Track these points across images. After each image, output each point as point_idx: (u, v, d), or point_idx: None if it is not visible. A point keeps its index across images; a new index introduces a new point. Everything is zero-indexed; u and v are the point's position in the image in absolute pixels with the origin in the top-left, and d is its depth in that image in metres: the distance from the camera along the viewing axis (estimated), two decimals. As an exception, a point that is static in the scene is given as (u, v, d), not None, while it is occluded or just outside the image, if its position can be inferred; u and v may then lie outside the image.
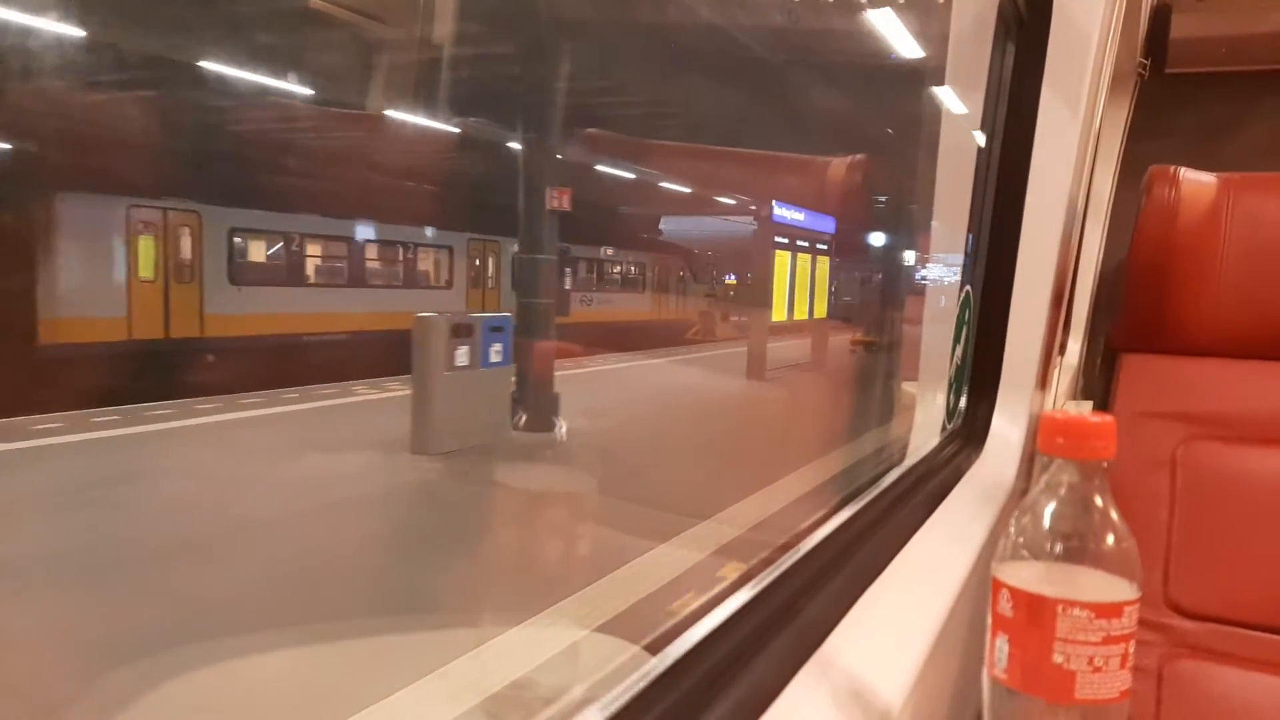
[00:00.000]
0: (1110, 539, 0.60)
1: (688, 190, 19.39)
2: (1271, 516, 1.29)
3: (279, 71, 9.15)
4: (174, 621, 3.35)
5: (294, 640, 3.07)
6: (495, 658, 3.06)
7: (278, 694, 2.81)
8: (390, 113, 10.33)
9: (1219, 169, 1.49)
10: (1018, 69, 1.49)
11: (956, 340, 1.58)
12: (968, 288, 1.58)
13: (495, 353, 7.19)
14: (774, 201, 13.52)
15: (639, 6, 8.76)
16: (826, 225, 15.05)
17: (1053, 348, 1.55)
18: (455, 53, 8.49)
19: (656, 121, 13.86)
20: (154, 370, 9.68)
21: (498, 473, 6.75)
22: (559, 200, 7.94)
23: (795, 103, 11.78)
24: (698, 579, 3.79)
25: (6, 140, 7.66)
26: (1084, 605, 0.57)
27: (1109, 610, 0.57)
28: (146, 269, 10.62)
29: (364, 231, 13.70)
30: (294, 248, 12.69)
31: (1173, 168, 1.46)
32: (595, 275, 19.37)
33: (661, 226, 21.81)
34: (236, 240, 11.73)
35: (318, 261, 13.14)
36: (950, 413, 1.60)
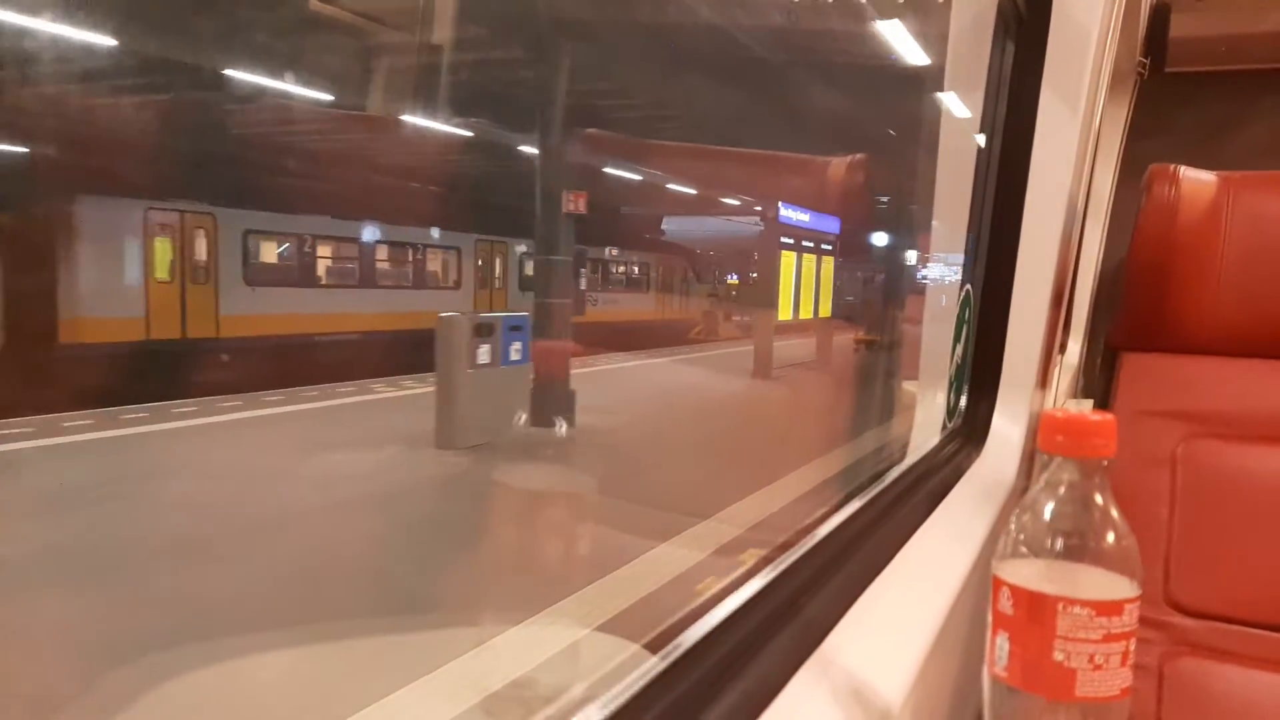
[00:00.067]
0: (1110, 537, 0.60)
1: (689, 190, 19.40)
2: (1272, 515, 1.29)
3: (291, 76, 9.21)
4: (242, 597, 3.55)
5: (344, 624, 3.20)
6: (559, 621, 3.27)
7: (314, 677, 2.86)
8: (400, 116, 10.39)
9: (1219, 168, 1.49)
10: (1017, 68, 1.49)
11: (957, 339, 1.58)
12: (968, 287, 1.59)
13: (515, 351, 7.38)
14: (780, 202, 13.57)
15: (640, 9, 8.77)
16: (831, 226, 15.11)
17: (1053, 346, 1.55)
18: (466, 58, 8.57)
19: (658, 123, 13.88)
20: (173, 369, 9.83)
21: (523, 466, 6.92)
22: (575, 204, 8.13)
23: (794, 102, 11.78)
24: (723, 561, 3.94)
25: (27, 144, 7.73)
26: (1084, 603, 0.57)
27: (1109, 608, 0.57)
28: (163, 270, 10.81)
29: (375, 233, 13.87)
30: (306, 249, 12.86)
31: (1173, 166, 1.46)
32: (600, 275, 19.43)
33: (664, 227, 21.84)
34: (251, 242, 11.88)
35: (330, 262, 13.32)
36: (950, 411, 1.60)
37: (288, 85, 9.37)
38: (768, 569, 0.83)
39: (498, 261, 15.97)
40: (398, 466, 6.20)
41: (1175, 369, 1.45)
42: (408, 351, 9.87)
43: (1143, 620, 0.59)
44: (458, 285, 15.17)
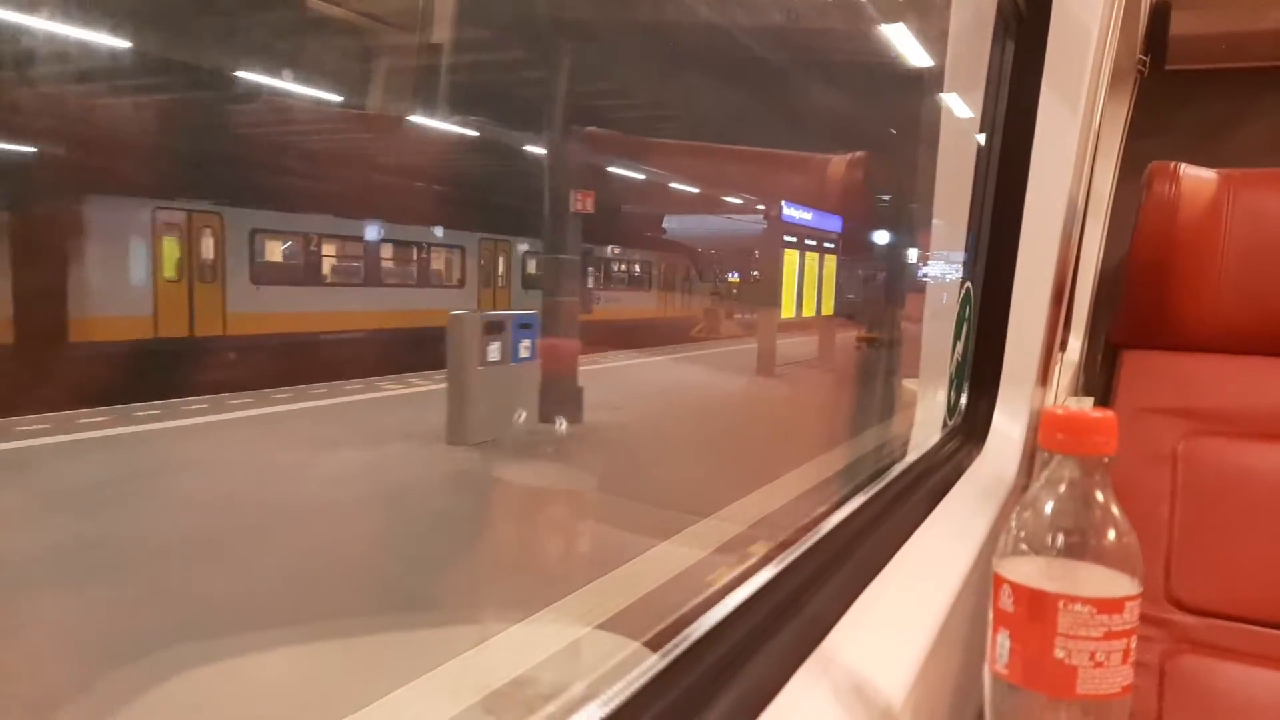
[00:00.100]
0: (1111, 534, 0.60)
1: (690, 189, 19.40)
2: (1272, 512, 1.29)
3: (294, 76, 9.25)
4: (288, 582, 3.69)
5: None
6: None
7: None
8: (404, 116, 10.43)
9: (1219, 166, 1.48)
10: (1017, 66, 1.49)
11: (957, 337, 1.58)
12: (968, 284, 1.58)
13: (524, 348, 7.48)
14: (782, 201, 13.59)
15: (641, 8, 8.78)
16: (833, 224, 15.14)
17: (1053, 344, 1.55)
18: (470, 59, 8.60)
19: (658, 123, 13.89)
20: (182, 368, 9.93)
21: (534, 461, 7.01)
22: (582, 203, 8.28)
23: (793, 101, 11.78)
24: (740, 545, 4.02)
25: (34, 144, 7.77)
26: (1085, 601, 0.57)
27: (1110, 606, 0.57)
28: (171, 269, 10.89)
29: (379, 232, 13.94)
30: (313, 248, 12.93)
31: (1173, 164, 1.46)
32: (602, 274, 19.48)
33: (665, 225, 21.84)
34: (257, 241, 11.97)
35: (335, 261, 13.41)
36: (951, 409, 1.60)
37: (291, 85, 9.43)
38: (769, 567, 0.83)
39: (500, 260, 16.06)
40: (413, 462, 6.31)
41: (1176, 366, 1.45)
42: (413, 349, 9.94)
43: (1144, 618, 0.59)
44: (461, 283, 15.27)
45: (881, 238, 16.50)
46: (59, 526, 4.30)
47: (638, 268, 21.17)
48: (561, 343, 8.15)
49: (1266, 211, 1.43)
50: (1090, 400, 1.79)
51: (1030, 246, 1.45)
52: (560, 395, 7.82)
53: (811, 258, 14.47)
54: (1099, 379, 1.63)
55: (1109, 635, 0.57)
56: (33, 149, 7.88)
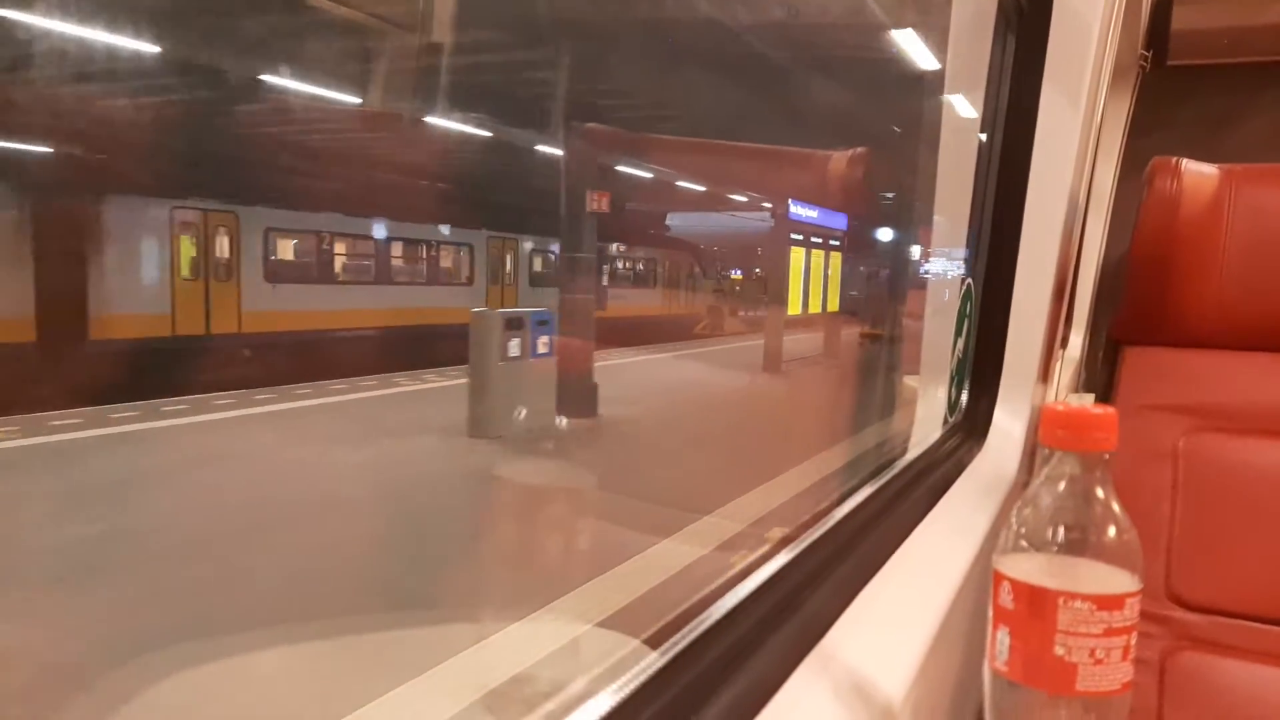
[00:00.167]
0: (1112, 531, 0.60)
1: (692, 186, 19.37)
2: (1274, 509, 1.29)
3: (307, 76, 9.30)
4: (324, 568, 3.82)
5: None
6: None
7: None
8: (414, 115, 10.47)
9: (1221, 161, 1.48)
10: (1018, 61, 1.49)
11: (958, 334, 1.58)
12: (969, 281, 1.58)
13: (542, 344, 7.60)
14: (789, 199, 13.62)
15: (643, 7, 8.79)
16: (839, 221, 15.18)
17: (1054, 341, 1.55)
18: (480, 60, 8.64)
19: (658, 122, 13.89)
20: (201, 364, 10.06)
21: (554, 453, 7.19)
22: (598, 203, 8.41)
23: (794, 97, 11.77)
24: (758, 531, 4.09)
25: (55, 145, 7.82)
26: (1085, 597, 0.57)
27: (1110, 602, 0.57)
28: (188, 268, 11.05)
29: (390, 230, 14.07)
30: (325, 246, 13.08)
31: (1175, 159, 1.46)
32: (608, 271, 19.52)
33: (669, 223, 21.82)
34: (271, 240, 12.10)
35: (347, 259, 13.54)
36: (952, 406, 1.59)
37: (305, 85, 9.50)
38: (768, 564, 0.83)
39: (508, 258, 16.17)
40: (436, 455, 6.46)
41: (1177, 362, 1.45)
42: (425, 346, 10.00)
43: (1144, 614, 0.59)
44: (470, 281, 15.38)
45: (883, 234, 16.50)
46: (135, 510, 4.48)
47: (642, 265, 21.21)
48: (577, 339, 8.28)
49: (1268, 207, 1.43)
50: (1091, 396, 1.79)
51: (1031, 243, 1.45)
52: (576, 390, 7.95)
53: (817, 255, 14.51)
54: (1100, 375, 1.63)
55: (1109, 632, 0.56)
56: (52, 150, 7.95)
